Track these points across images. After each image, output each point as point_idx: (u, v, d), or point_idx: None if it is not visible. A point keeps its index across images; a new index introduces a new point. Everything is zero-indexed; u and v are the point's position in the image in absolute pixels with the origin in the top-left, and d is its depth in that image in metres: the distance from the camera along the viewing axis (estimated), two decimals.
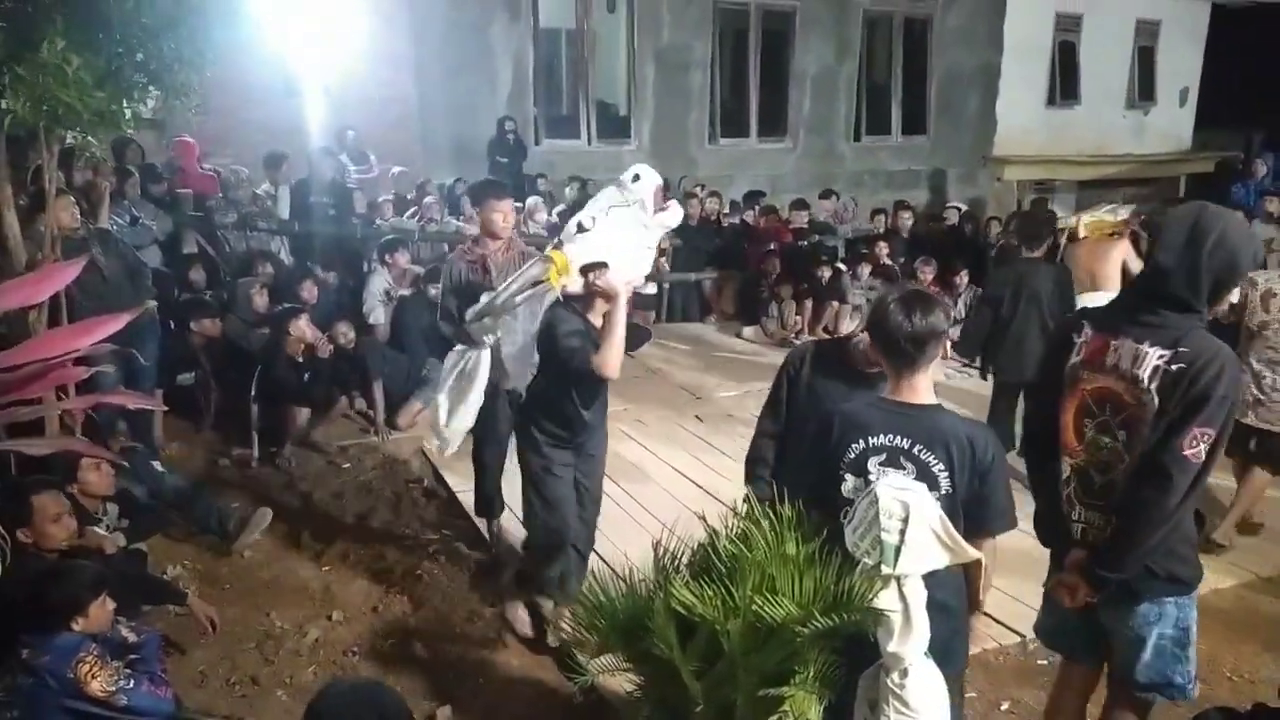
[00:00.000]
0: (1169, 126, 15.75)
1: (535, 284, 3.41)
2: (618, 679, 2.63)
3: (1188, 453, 2.22)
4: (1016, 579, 4.10)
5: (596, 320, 3.45)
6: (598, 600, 2.26)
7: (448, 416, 3.95)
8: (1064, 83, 14.50)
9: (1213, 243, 2.25)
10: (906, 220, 10.02)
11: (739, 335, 8.70)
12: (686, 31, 11.63)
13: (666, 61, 11.62)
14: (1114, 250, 5.20)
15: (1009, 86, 13.71)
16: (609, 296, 3.33)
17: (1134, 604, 2.42)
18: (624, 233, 3.40)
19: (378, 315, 7.20)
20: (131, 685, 2.84)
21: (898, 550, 2.19)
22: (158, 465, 4.64)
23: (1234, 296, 2.77)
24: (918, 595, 2.22)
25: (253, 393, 5.67)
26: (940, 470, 2.29)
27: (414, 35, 10.22)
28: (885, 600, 2.20)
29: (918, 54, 13.35)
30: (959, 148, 13.65)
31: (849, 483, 2.36)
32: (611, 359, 3.31)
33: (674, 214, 3.59)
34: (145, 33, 3.51)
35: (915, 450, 2.31)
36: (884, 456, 2.32)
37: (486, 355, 3.87)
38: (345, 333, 6.16)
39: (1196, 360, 2.23)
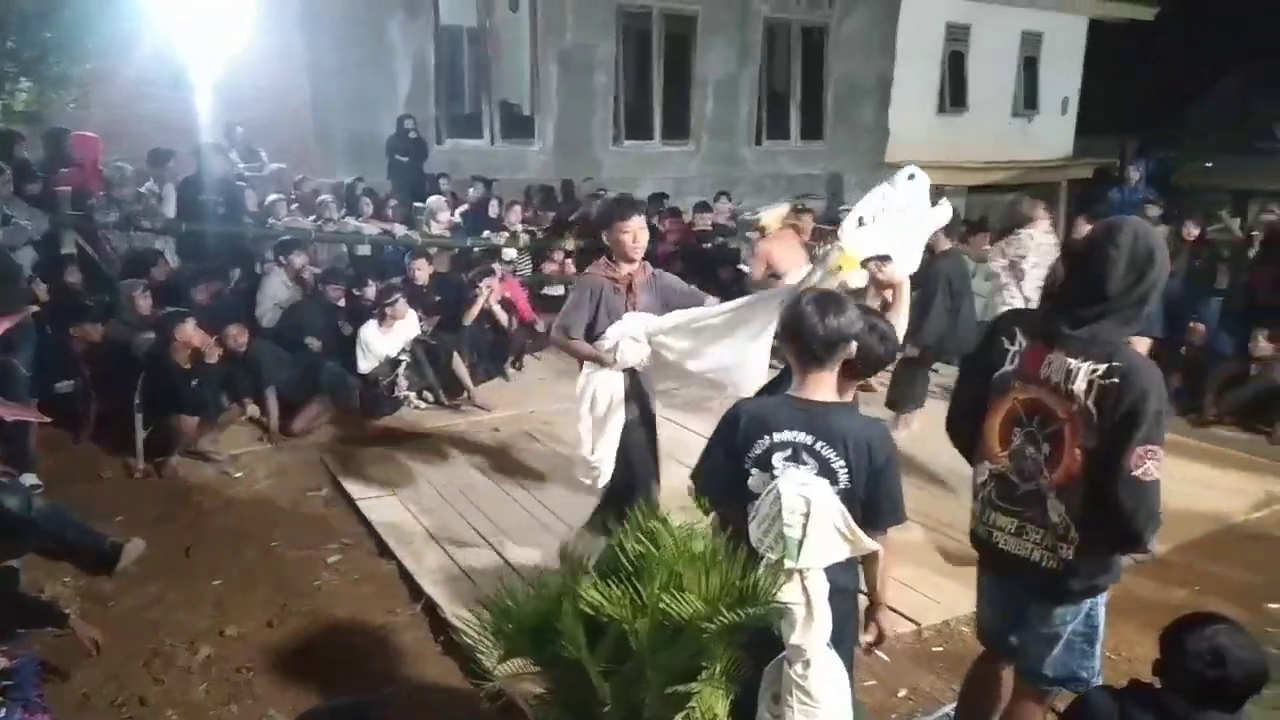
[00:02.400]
0: (1051, 134, 16.53)
1: (827, 275, 3.35)
2: (527, 683, 2.60)
3: (1137, 473, 2.22)
4: (910, 568, 4.27)
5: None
6: (504, 604, 2.23)
7: (592, 444, 3.93)
8: (953, 91, 15.08)
9: (1156, 268, 2.30)
10: (807, 222, 10.22)
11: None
12: (590, 32, 11.63)
13: (570, 62, 11.60)
14: (794, 240, 6.20)
15: (902, 94, 14.17)
16: (892, 286, 3.34)
17: (1054, 605, 2.49)
18: (900, 228, 3.42)
19: (272, 318, 6.97)
20: (4, 714, 2.66)
21: (800, 544, 2.23)
22: (33, 479, 4.38)
23: None
24: (819, 588, 2.27)
25: (136, 400, 5.41)
26: (840, 466, 2.35)
27: (307, 29, 9.94)
28: (788, 594, 2.24)
29: (815, 61, 13.68)
30: (855, 153, 14.04)
31: (755, 477, 2.41)
32: (897, 327, 3.27)
33: (944, 211, 3.64)
34: (20, 19, 3.30)
35: (817, 446, 2.36)
36: (788, 452, 2.37)
37: (620, 378, 3.88)
38: (236, 336, 5.94)
39: (1129, 375, 2.25)
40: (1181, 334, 7.32)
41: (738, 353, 3.69)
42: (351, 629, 3.91)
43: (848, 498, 2.34)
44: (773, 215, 6.36)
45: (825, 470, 2.35)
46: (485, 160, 10.96)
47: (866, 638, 2.59)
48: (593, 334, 3.90)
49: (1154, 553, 2.65)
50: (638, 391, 4.00)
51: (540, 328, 8.61)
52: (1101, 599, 2.51)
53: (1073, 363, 2.32)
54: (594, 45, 11.71)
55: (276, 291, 7.14)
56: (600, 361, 3.90)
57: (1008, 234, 6.70)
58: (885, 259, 3.29)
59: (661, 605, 2.09)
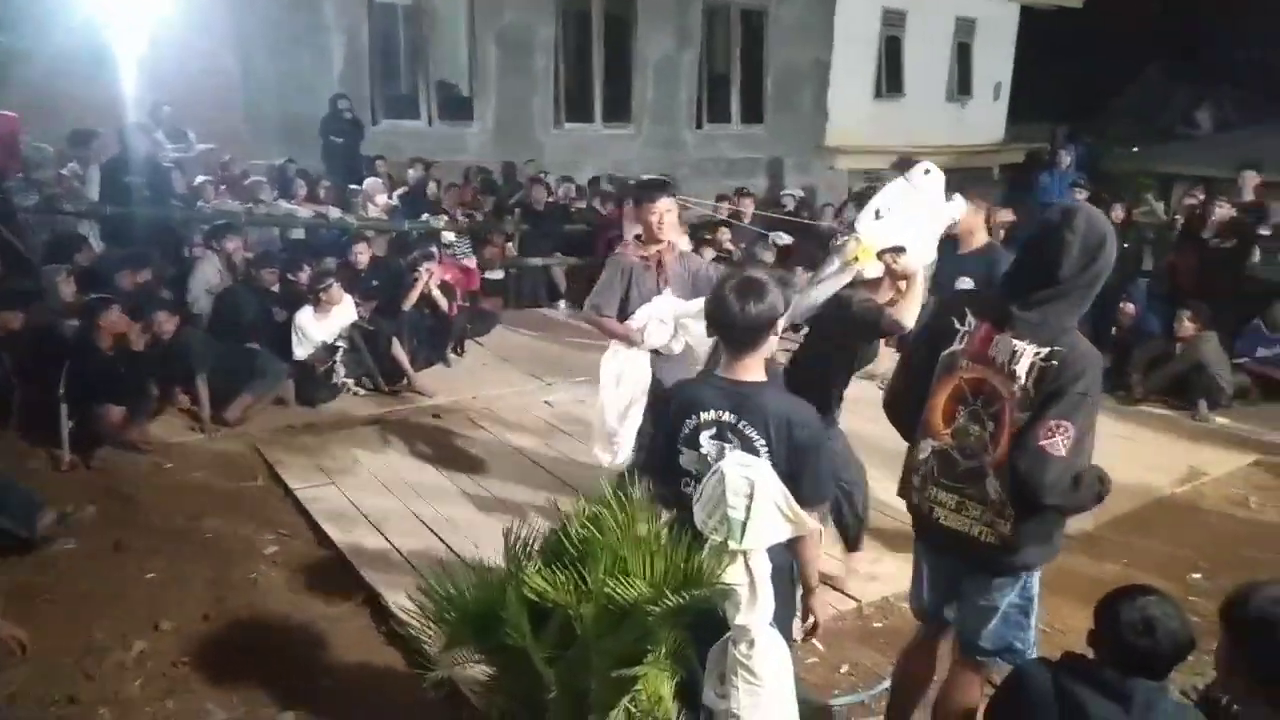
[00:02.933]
0: (984, 119, 16.85)
1: (844, 266, 3.53)
2: (471, 670, 2.58)
3: (1043, 443, 2.29)
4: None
5: (880, 300, 3.57)
6: (447, 592, 2.21)
7: (618, 422, 3.95)
8: (890, 76, 15.26)
9: (1106, 254, 2.36)
10: (748, 206, 10.29)
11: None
12: (528, 13, 11.50)
13: (509, 42, 11.45)
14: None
15: (839, 79, 14.30)
16: (906, 277, 3.42)
17: (992, 578, 2.55)
18: (915, 221, 3.52)
19: (203, 304, 6.78)
20: None
21: (744, 526, 2.25)
22: None
23: None
24: (763, 568, 2.30)
25: (61, 390, 5.22)
26: (760, 445, 2.40)
27: (236, 6, 9.63)
28: (733, 575, 2.27)
29: (755, 45, 13.71)
30: (794, 137, 14.13)
31: (685, 455, 2.48)
32: (909, 316, 3.45)
33: (957, 206, 3.71)
34: None
35: (740, 425, 2.42)
36: (713, 431, 2.44)
37: (646, 357, 3.94)
38: (164, 323, 5.77)
39: (1068, 358, 2.33)
40: (1111, 315, 7.54)
41: None
42: (291, 620, 3.84)
43: None
44: None
45: (747, 448, 2.41)
46: (423, 142, 10.78)
47: (803, 626, 2.63)
48: (625, 312, 4.00)
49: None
50: (664, 373, 4.02)
51: (488, 307, 8.56)
52: (1036, 573, 2.58)
53: (1019, 344, 2.38)
54: (533, 26, 11.58)
55: (208, 277, 6.95)
56: (629, 340, 3.98)
57: None
58: (900, 250, 3.41)
59: (606, 590, 2.09)
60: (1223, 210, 7.54)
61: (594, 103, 12.48)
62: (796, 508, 2.32)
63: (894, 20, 15.04)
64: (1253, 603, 1.78)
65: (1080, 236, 2.34)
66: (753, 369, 2.48)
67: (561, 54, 12.03)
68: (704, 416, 2.46)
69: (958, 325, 2.53)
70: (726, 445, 2.42)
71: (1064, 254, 2.34)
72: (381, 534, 4.43)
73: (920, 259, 3.48)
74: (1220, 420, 6.62)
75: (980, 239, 4.74)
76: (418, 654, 3.06)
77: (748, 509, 2.25)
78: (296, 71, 10.01)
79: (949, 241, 4.47)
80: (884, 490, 4.81)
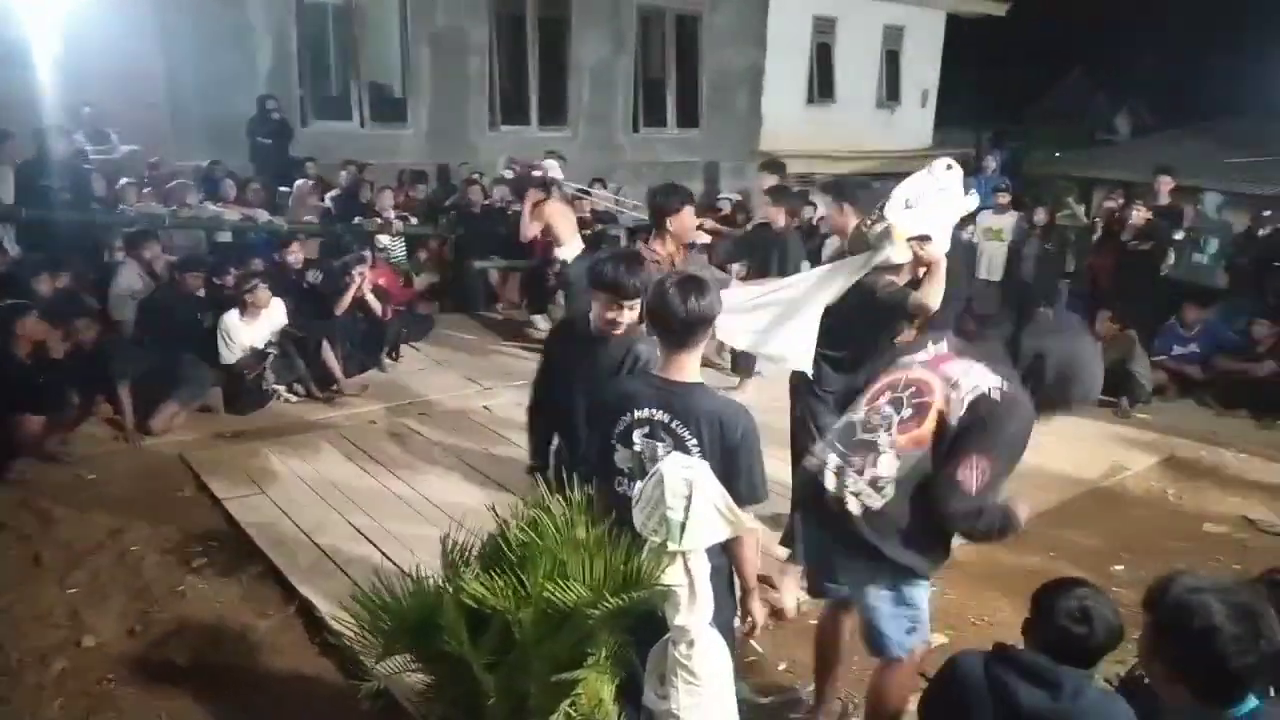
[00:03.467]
0: (913, 125, 17.21)
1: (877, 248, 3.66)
2: (409, 679, 2.55)
3: (960, 475, 2.45)
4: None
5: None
6: (382, 600, 2.17)
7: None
8: (821, 82, 15.51)
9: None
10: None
11: (528, 324, 8.66)
12: (461, 15, 11.39)
13: (442, 44, 11.33)
14: (571, 212, 7.39)
15: (773, 84, 14.47)
16: (930, 263, 3.59)
17: (868, 584, 2.68)
18: (937, 212, 3.70)
19: (125, 310, 6.57)
20: None
21: (683, 527, 2.26)
22: None
23: None
24: (702, 568, 2.31)
25: None
26: (693, 444, 2.44)
27: (161, 3, 9.35)
28: (672, 576, 2.27)
29: (689, 50, 13.80)
30: (730, 141, 14.26)
31: (619, 453, 2.51)
32: (935, 298, 3.59)
33: (972, 200, 3.93)
34: None
35: (672, 424, 2.45)
36: (647, 429, 2.47)
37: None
38: (84, 330, 5.58)
39: (1005, 399, 2.50)
40: (1033, 316, 7.76)
41: (784, 330, 3.81)
42: (221, 633, 3.74)
43: None
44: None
45: (679, 447, 2.44)
46: (355, 143, 10.59)
47: (743, 627, 2.67)
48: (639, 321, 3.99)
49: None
50: None
51: (424, 310, 8.45)
52: (918, 585, 2.69)
53: (974, 366, 2.57)
54: (466, 28, 11.48)
55: (130, 282, 6.73)
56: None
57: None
58: (926, 238, 3.59)
59: (545, 594, 2.08)
60: (1139, 214, 7.84)
61: (530, 105, 12.42)
62: (735, 508, 2.34)
63: (824, 27, 15.29)
64: (1172, 592, 1.85)
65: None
66: (688, 368, 2.51)
67: (496, 56, 11.95)
68: (637, 414, 2.48)
69: (927, 341, 2.74)
70: (659, 444, 2.44)
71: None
72: (314, 543, 4.35)
73: (941, 247, 3.63)
74: (1140, 416, 6.88)
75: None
76: (353, 664, 3.01)
77: (686, 510, 2.26)
78: (223, 71, 9.76)
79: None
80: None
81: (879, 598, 2.69)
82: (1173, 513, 5.29)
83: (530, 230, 7.02)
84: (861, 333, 3.76)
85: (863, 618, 2.79)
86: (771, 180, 6.82)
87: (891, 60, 16.57)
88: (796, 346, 3.78)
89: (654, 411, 2.47)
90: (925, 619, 2.75)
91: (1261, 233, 8.12)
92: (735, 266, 6.94)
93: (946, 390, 2.55)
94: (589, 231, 9.59)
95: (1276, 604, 2.57)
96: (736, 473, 2.44)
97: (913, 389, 2.61)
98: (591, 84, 12.71)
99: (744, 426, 2.47)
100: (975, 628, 3.94)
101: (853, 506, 2.59)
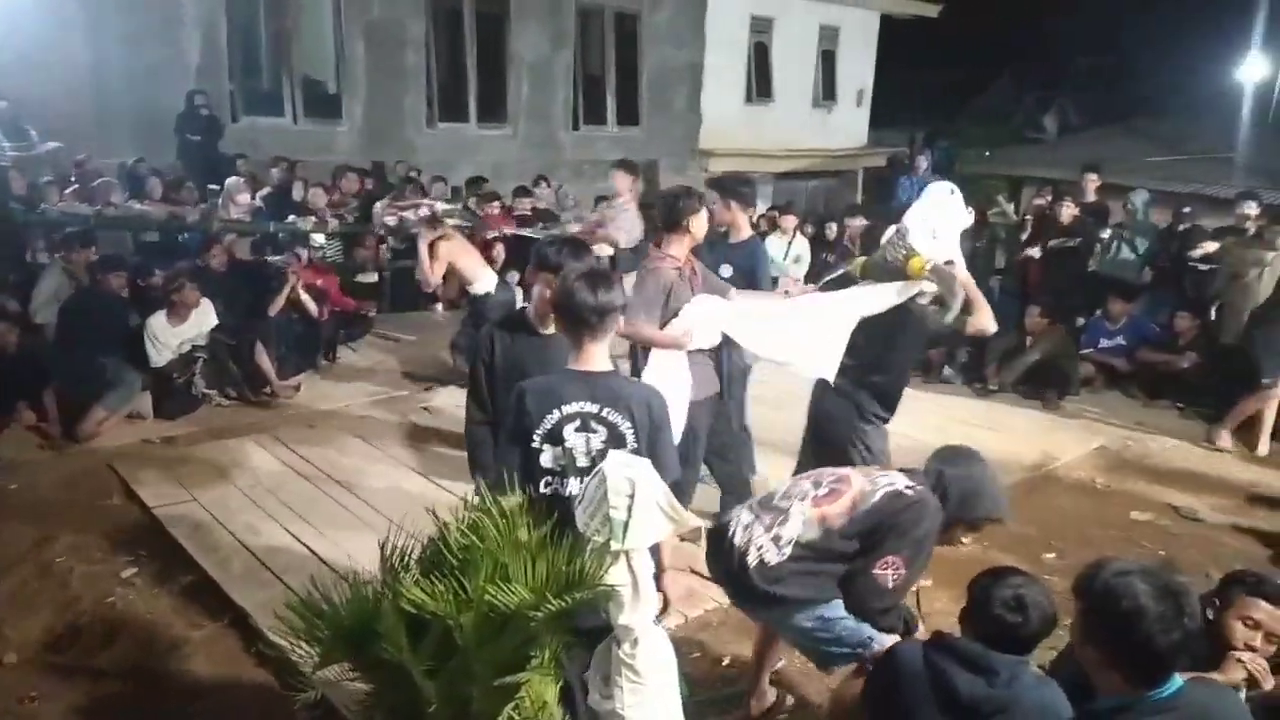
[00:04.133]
0: (849, 124, 17.48)
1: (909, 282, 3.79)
2: (349, 687, 2.50)
3: (875, 573, 2.67)
4: None
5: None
6: (318, 607, 2.12)
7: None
8: (759, 81, 15.65)
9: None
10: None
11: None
12: (397, 9, 11.24)
13: (377, 39, 11.16)
14: (467, 243, 6.48)
15: (712, 83, 14.57)
16: (968, 287, 3.73)
17: (781, 622, 2.87)
18: (953, 235, 3.90)
19: (47, 314, 6.34)
20: None
21: (626, 526, 2.26)
22: None
23: None
24: (645, 567, 2.32)
25: None
26: (627, 429, 2.50)
27: None
28: (615, 575, 2.27)
29: (629, 48, 13.81)
30: (670, 139, 14.31)
31: (548, 453, 2.51)
32: (989, 319, 3.77)
33: (968, 218, 4.08)
34: None
35: (604, 413, 2.50)
36: (577, 423, 2.49)
37: (685, 361, 4.01)
38: (5, 334, 5.38)
39: (918, 499, 2.72)
40: None
41: (808, 342, 3.90)
42: (153, 646, 3.64)
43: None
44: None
45: (613, 435, 2.49)
46: (287, 140, 10.37)
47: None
48: (663, 322, 4.01)
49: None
50: (719, 371, 4.25)
51: (361, 310, 8.29)
52: (830, 603, 2.77)
53: (895, 473, 2.85)
54: (403, 22, 11.32)
55: (55, 285, 6.50)
56: (678, 345, 4.00)
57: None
58: (951, 263, 3.81)
59: (487, 597, 2.06)
60: (1068, 210, 8.06)
61: (468, 103, 12.30)
62: (678, 505, 2.35)
63: (762, 27, 15.43)
64: (1099, 578, 1.91)
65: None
66: (601, 358, 2.58)
67: (433, 52, 11.81)
68: (565, 410, 2.49)
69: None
70: (592, 435, 2.48)
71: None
72: (249, 550, 4.25)
73: (963, 267, 3.88)
74: (1069, 408, 7.08)
75: (745, 233, 4.99)
76: (291, 674, 2.95)
77: (629, 508, 2.26)
78: (150, 66, 9.47)
79: (721, 234, 4.92)
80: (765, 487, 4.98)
81: (797, 629, 2.81)
82: (1101, 501, 5.45)
83: (435, 276, 6.12)
84: (902, 358, 4.00)
85: (795, 647, 2.96)
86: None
87: (827, 60, 16.80)
88: (820, 358, 3.86)
89: (583, 404, 2.50)
90: (853, 624, 2.78)
91: (1182, 228, 8.41)
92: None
93: (865, 485, 2.81)
94: (530, 230, 9.55)
95: (1232, 602, 2.72)
96: (661, 451, 2.55)
97: (835, 476, 2.88)
98: (531, 81, 12.64)
99: (664, 407, 2.62)
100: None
101: (750, 559, 2.77)
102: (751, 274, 4.76)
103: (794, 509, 2.79)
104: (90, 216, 7.53)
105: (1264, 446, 6.20)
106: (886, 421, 3.98)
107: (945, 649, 2.40)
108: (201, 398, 6.15)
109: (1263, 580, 2.80)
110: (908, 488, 2.75)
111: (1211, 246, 7.39)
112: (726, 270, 4.68)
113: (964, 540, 2.96)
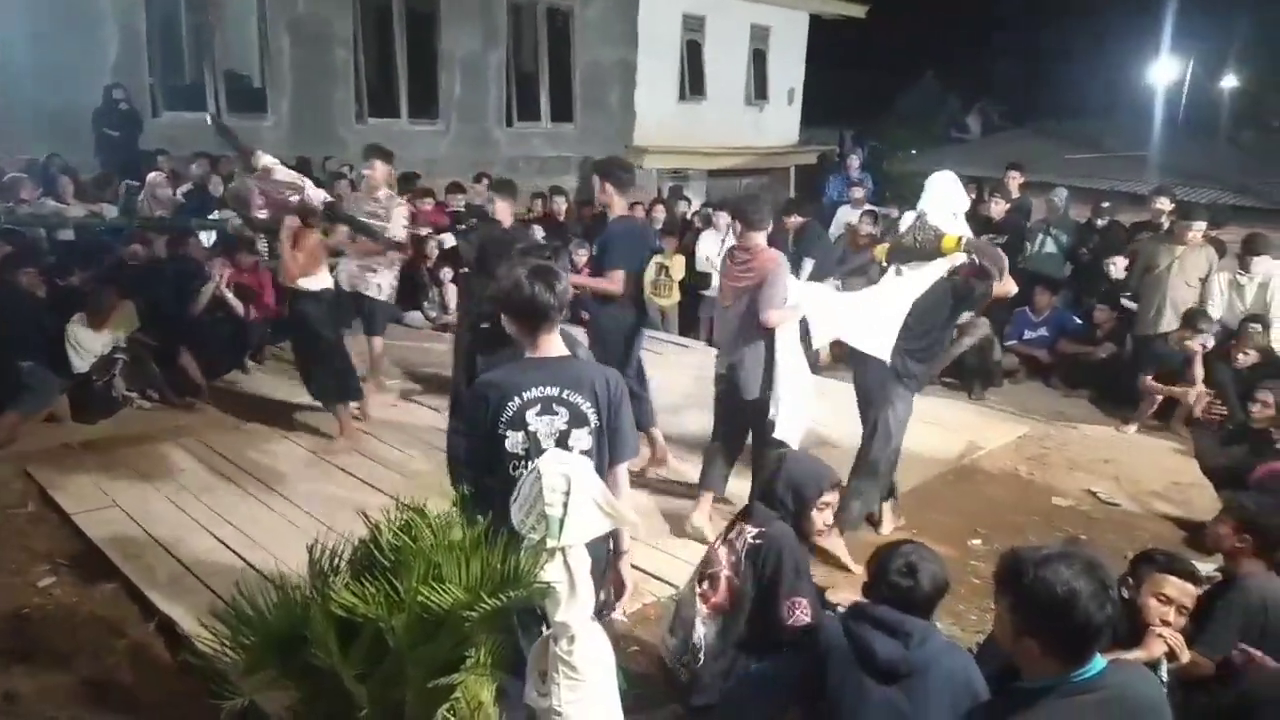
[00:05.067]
0: (780, 123, 17.67)
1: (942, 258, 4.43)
2: (279, 694, 2.45)
3: (790, 622, 2.89)
4: (674, 536, 4.47)
5: None
6: (244, 613, 2.07)
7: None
8: (692, 79, 15.73)
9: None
10: (560, 205, 10.32)
11: (399, 322, 8.44)
12: (323, 4, 11.01)
13: (303, 33, 10.92)
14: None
15: (645, 80, 14.59)
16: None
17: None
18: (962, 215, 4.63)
19: None
20: None
21: (562, 522, 2.27)
22: None
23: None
24: (581, 564, 2.33)
25: None
26: (589, 409, 2.58)
27: None
28: (552, 572, 2.27)
29: (562, 44, 13.76)
30: (604, 136, 14.29)
31: (511, 438, 2.55)
32: (1011, 285, 4.62)
33: (967, 201, 4.78)
34: None
35: (565, 395, 2.56)
36: (539, 407, 2.54)
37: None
38: None
39: (771, 540, 2.99)
40: None
41: (870, 326, 4.49)
42: (73, 657, 3.52)
43: (598, 437, 2.58)
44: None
45: (576, 415, 2.56)
46: (210, 135, 10.06)
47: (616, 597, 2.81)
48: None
49: None
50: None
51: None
52: None
53: (748, 528, 3.08)
54: (329, 17, 11.09)
55: None
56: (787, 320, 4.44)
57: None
58: (966, 237, 4.44)
59: (420, 599, 2.03)
60: (998, 207, 8.29)
61: (399, 98, 12.12)
62: (615, 502, 2.37)
63: (694, 25, 15.51)
64: (1025, 572, 1.95)
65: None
66: (557, 344, 2.65)
67: (362, 47, 11.60)
68: (527, 395, 2.54)
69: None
70: (555, 417, 2.54)
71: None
72: (174, 556, 4.13)
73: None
74: (993, 398, 7.28)
75: (621, 211, 5.25)
76: (219, 682, 2.88)
77: (565, 505, 2.28)
78: (64, 60, 9.10)
79: (598, 214, 5.33)
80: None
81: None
82: (1024, 488, 5.61)
83: (298, 269, 5.43)
84: (940, 326, 4.61)
85: None
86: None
87: (759, 59, 16.96)
88: (881, 340, 4.46)
89: (544, 389, 2.55)
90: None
91: (1101, 223, 8.70)
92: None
93: (729, 557, 3.04)
94: (464, 226, 9.45)
95: (1145, 579, 2.84)
96: (619, 428, 2.64)
97: (706, 563, 3.11)
98: (463, 77, 12.50)
99: (621, 386, 2.68)
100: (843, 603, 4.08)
101: (683, 676, 3.07)
102: (630, 256, 5.07)
103: (695, 617, 3.07)
104: (1, 215, 7.22)
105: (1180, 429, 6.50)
106: (919, 390, 4.70)
107: (861, 615, 2.54)
108: (122, 400, 5.95)
109: (1172, 558, 2.93)
110: (755, 537, 3.04)
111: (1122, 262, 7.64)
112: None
113: (825, 525, 3.22)
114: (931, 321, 4.50)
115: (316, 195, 5.54)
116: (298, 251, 5.43)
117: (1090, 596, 1.88)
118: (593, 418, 2.58)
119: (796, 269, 6.46)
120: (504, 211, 5.97)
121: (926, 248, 4.39)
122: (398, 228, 6.22)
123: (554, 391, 2.56)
